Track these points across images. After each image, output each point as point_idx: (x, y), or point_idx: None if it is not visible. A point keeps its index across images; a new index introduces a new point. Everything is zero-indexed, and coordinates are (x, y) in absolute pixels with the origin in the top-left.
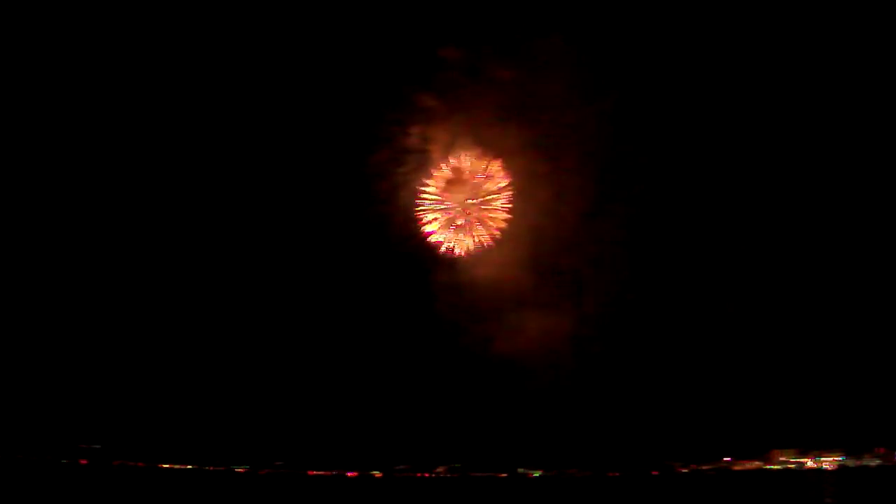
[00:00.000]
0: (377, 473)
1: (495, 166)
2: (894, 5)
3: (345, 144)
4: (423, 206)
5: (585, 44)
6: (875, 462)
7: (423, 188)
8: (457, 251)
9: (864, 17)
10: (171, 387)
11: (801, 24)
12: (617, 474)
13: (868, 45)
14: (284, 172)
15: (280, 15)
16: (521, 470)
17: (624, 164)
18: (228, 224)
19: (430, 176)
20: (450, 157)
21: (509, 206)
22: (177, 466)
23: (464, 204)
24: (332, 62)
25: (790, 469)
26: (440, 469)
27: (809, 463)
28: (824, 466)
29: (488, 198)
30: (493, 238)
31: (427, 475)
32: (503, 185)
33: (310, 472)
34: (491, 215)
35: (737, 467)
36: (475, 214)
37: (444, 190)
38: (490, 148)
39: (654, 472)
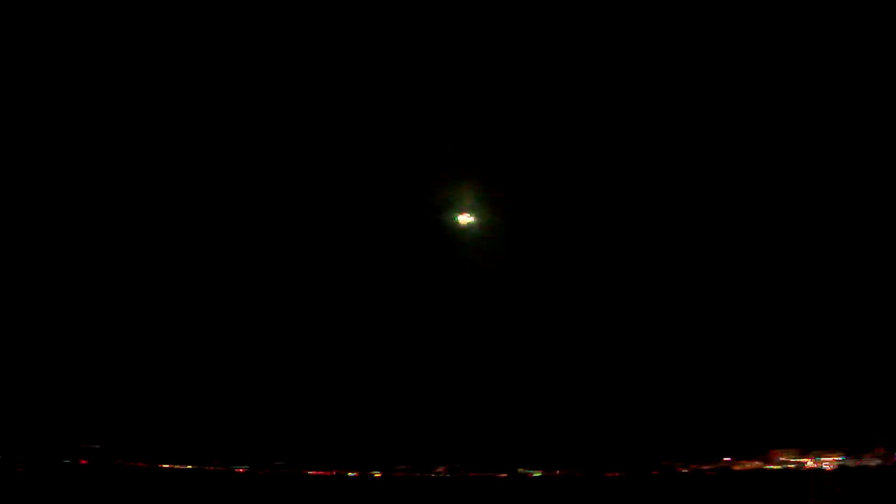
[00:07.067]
0: (377, 473)
1: None
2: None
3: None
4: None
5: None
6: (875, 462)
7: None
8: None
9: (864, 17)
10: (171, 387)
11: (800, 25)
12: (617, 474)
13: (868, 45)
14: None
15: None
16: (521, 470)
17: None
18: (227, 225)
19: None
20: None
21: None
22: (177, 466)
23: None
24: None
25: (790, 469)
26: (440, 469)
27: (809, 463)
28: (824, 466)
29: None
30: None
31: (427, 475)
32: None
33: (310, 472)
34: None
35: (737, 467)
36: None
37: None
38: None
39: (654, 472)
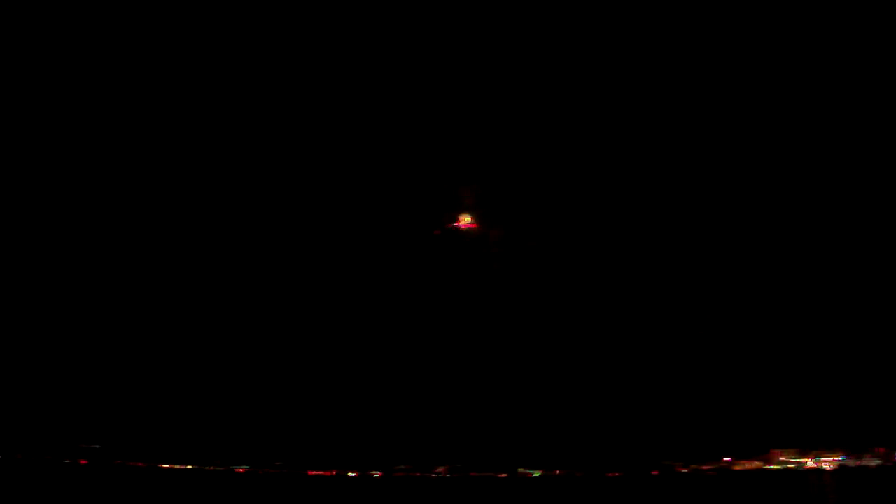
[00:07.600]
0: (377, 473)
1: None
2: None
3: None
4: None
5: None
6: (875, 462)
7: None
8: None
9: (864, 17)
10: (171, 387)
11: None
12: (617, 474)
13: (868, 45)
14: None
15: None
16: (521, 470)
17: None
18: (227, 224)
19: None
20: None
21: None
22: (177, 466)
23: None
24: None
25: (790, 469)
26: (440, 469)
27: (809, 463)
28: (824, 466)
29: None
30: (489, 239)
31: (427, 475)
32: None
33: (310, 472)
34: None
35: (737, 467)
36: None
37: None
38: None
39: (654, 472)
